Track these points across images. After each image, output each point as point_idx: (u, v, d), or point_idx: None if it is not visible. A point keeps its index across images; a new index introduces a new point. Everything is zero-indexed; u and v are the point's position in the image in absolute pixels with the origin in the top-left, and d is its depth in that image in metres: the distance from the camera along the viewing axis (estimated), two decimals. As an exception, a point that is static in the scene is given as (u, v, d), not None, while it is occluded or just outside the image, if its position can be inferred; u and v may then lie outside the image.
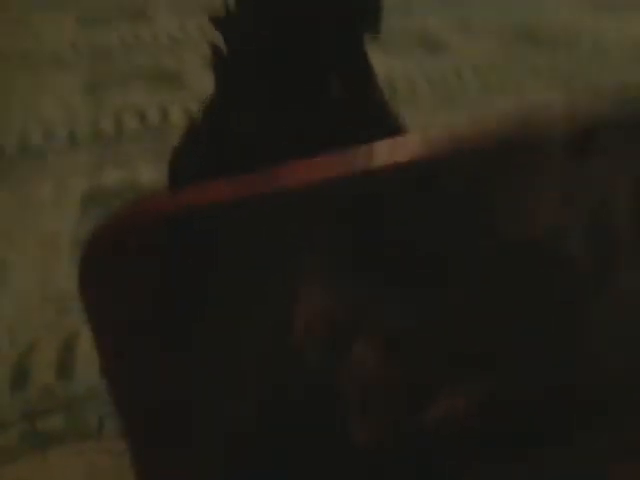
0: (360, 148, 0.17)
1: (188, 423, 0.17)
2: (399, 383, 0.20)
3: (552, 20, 0.69)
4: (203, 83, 0.57)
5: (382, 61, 0.63)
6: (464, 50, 0.64)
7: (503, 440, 0.22)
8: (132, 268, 0.15)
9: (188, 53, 0.64)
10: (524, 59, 0.61)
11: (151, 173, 0.31)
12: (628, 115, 0.18)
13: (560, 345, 0.21)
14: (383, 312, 0.18)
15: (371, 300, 0.18)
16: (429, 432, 0.21)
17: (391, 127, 0.32)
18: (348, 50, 0.29)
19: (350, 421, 0.20)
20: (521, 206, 0.18)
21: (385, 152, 0.16)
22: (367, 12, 0.26)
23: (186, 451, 0.18)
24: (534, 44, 0.64)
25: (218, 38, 0.30)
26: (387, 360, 0.19)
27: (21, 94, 0.57)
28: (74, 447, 0.25)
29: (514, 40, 0.65)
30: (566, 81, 0.56)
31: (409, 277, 0.18)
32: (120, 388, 0.16)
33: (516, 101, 0.53)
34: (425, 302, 0.18)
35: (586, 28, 0.67)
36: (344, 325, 0.18)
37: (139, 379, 0.16)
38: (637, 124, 0.18)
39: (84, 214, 0.39)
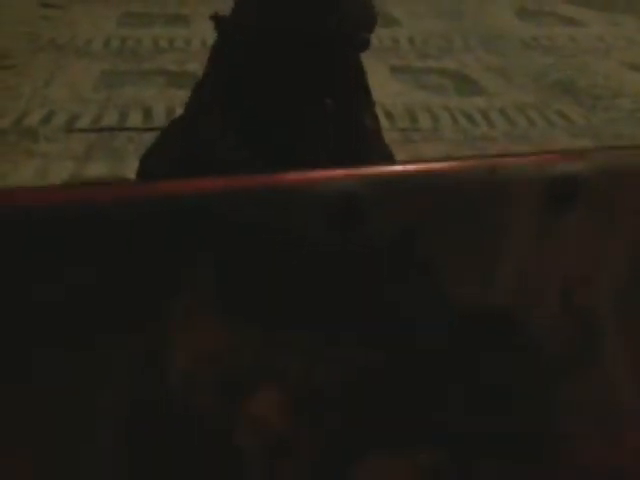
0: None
1: None
2: (309, 444, 0.17)
3: (592, 77, 0.66)
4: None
5: (408, 93, 0.60)
6: (498, 93, 0.61)
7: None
8: None
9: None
10: (557, 110, 0.58)
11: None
12: (608, 165, 0.15)
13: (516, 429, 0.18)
14: (295, 361, 0.15)
15: (276, 348, 0.15)
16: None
17: (376, 155, 0.29)
18: (343, 71, 0.26)
19: None
20: (483, 263, 0.15)
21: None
22: (360, 30, 0.24)
23: None
24: (570, 97, 0.61)
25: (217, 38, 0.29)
26: (297, 418, 0.16)
27: (37, 76, 0.57)
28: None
29: (550, 89, 0.62)
30: (597, 136, 0.53)
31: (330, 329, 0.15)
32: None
33: (537, 149, 0.50)
34: (354, 362, 0.16)
35: (627, 89, 0.63)
36: (240, 370, 0.15)
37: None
38: (618, 173, 0.15)
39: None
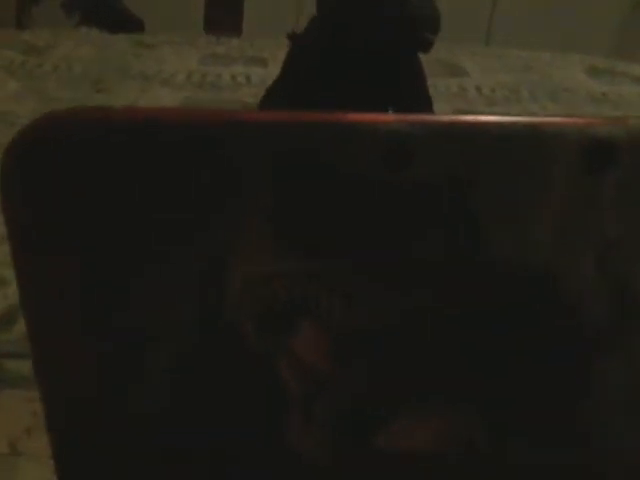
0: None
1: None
2: (346, 389, 0.17)
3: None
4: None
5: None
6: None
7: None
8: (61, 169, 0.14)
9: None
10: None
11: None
12: None
13: (553, 395, 0.18)
14: (338, 298, 0.16)
15: (325, 280, 0.16)
16: (379, 459, 0.18)
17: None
18: (406, 72, 0.29)
19: (288, 423, 0.17)
20: (524, 218, 0.16)
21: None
22: (424, 29, 0.26)
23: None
24: None
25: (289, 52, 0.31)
26: (337, 357, 0.17)
27: (125, 98, 0.62)
28: (29, 394, 0.24)
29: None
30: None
31: (371, 264, 0.16)
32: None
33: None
34: (392, 301, 0.16)
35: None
36: (285, 301, 0.16)
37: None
38: None
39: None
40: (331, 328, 0.16)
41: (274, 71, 0.78)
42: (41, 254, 0.15)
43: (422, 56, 0.81)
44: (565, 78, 0.88)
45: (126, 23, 1.21)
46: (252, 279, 0.15)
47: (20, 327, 0.28)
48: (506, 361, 0.17)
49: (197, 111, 0.14)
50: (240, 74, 0.75)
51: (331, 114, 0.14)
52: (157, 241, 0.15)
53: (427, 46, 0.25)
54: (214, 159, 0.14)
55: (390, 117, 0.15)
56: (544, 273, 0.16)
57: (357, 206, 0.15)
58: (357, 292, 0.16)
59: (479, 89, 0.78)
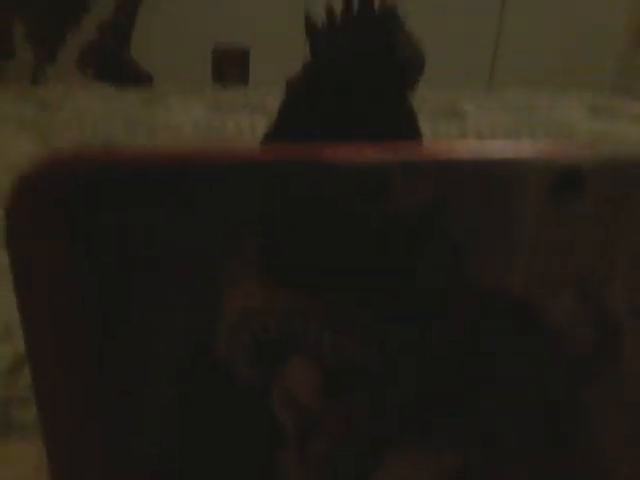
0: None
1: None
2: (340, 426, 0.18)
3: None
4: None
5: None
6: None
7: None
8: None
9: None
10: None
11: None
12: (614, 158, 0.17)
13: (542, 424, 0.19)
14: (327, 333, 0.17)
15: (313, 316, 0.16)
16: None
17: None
18: (396, 111, 0.30)
19: (282, 459, 0.17)
20: (501, 249, 0.17)
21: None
22: (411, 71, 0.28)
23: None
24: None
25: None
26: (328, 395, 0.17)
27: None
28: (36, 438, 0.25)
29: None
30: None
31: (357, 296, 0.16)
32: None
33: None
34: (379, 336, 0.17)
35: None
36: (275, 336, 0.16)
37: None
38: (624, 167, 0.17)
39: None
40: (321, 364, 0.17)
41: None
42: (49, 298, 0.15)
43: (423, 100, 0.82)
44: (565, 117, 0.90)
45: (135, 77, 1.24)
46: (242, 315, 0.16)
47: (25, 377, 0.29)
48: (496, 390, 0.18)
49: (178, 154, 0.15)
50: (245, 122, 0.78)
51: (308, 150, 0.15)
52: (154, 279, 0.15)
53: (413, 85, 0.26)
54: (202, 198, 0.15)
55: (367, 151, 0.15)
56: (525, 303, 0.17)
57: (341, 240, 0.16)
58: (346, 326, 0.17)
59: (479, 130, 0.80)
